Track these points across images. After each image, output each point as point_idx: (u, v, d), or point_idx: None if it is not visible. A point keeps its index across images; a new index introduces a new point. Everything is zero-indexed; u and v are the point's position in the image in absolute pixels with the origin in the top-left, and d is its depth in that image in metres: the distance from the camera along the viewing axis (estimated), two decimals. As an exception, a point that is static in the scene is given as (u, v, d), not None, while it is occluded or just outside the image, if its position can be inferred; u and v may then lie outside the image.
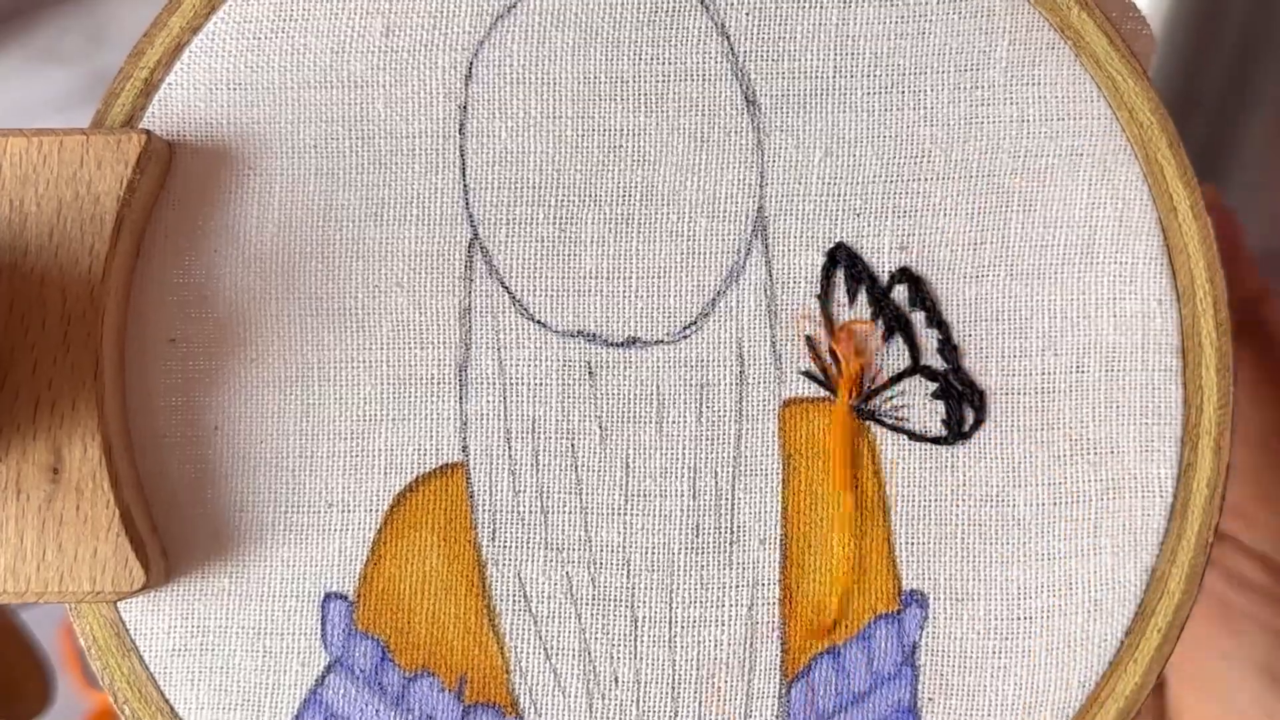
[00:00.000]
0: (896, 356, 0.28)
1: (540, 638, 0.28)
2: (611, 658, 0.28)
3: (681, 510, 0.28)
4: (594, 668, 0.28)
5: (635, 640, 0.28)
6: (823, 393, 0.28)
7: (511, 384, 0.28)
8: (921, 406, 0.28)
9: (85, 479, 0.27)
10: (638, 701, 0.28)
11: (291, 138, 0.29)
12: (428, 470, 0.28)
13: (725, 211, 0.28)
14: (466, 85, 0.28)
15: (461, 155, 0.28)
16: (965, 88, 0.28)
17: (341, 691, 0.28)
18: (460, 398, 0.28)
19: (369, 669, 0.28)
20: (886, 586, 0.28)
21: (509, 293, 0.28)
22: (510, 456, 0.28)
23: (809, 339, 0.28)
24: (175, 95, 0.29)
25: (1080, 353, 0.28)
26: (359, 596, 0.28)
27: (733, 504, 0.28)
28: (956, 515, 0.28)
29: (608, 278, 0.28)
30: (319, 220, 0.29)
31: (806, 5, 0.28)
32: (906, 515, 0.28)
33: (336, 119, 0.28)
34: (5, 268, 0.27)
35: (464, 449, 0.28)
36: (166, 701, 0.28)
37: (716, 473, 0.28)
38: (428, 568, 0.28)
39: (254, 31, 0.29)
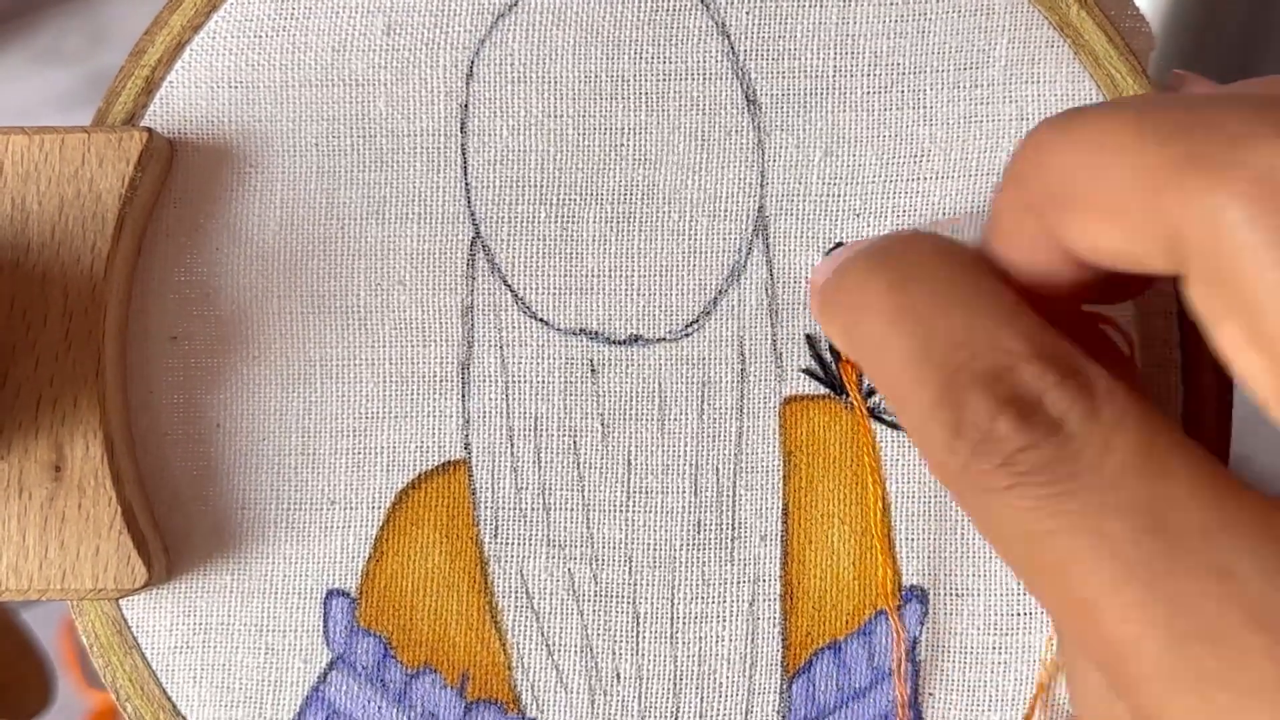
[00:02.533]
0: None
1: (542, 634, 0.28)
2: (613, 654, 0.28)
3: (683, 507, 0.28)
4: (596, 664, 0.28)
5: (637, 637, 0.28)
6: (823, 390, 0.28)
7: (514, 381, 0.28)
8: (922, 404, 0.28)
9: (87, 476, 0.27)
10: (640, 698, 0.28)
11: (293, 136, 0.29)
12: (430, 467, 0.28)
13: (726, 210, 0.28)
14: (468, 84, 0.28)
15: (463, 154, 0.29)
16: (965, 86, 0.28)
17: (344, 688, 0.28)
18: (463, 395, 0.28)
19: (371, 666, 0.28)
20: (887, 582, 0.28)
21: (511, 290, 0.28)
22: (513, 454, 0.28)
23: (809, 337, 0.28)
24: (177, 93, 0.29)
25: (1080, 350, 0.28)
26: (361, 593, 0.28)
27: (734, 501, 0.28)
28: (956, 511, 0.28)
29: (609, 276, 0.28)
30: (321, 218, 0.29)
31: (807, 4, 0.28)
32: (907, 511, 0.28)
33: (338, 117, 0.29)
34: (7, 265, 0.27)
35: (466, 446, 0.28)
36: (168, 698, 0.28)
37: (718, 470, 0.28)
38: (430, 565, 0.28)
39: (255, 30, 0.29)
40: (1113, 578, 0.17)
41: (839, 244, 0.28)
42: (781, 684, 0.28)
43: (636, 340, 0.28)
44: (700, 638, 0.28)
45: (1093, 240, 0.19)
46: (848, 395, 0.28)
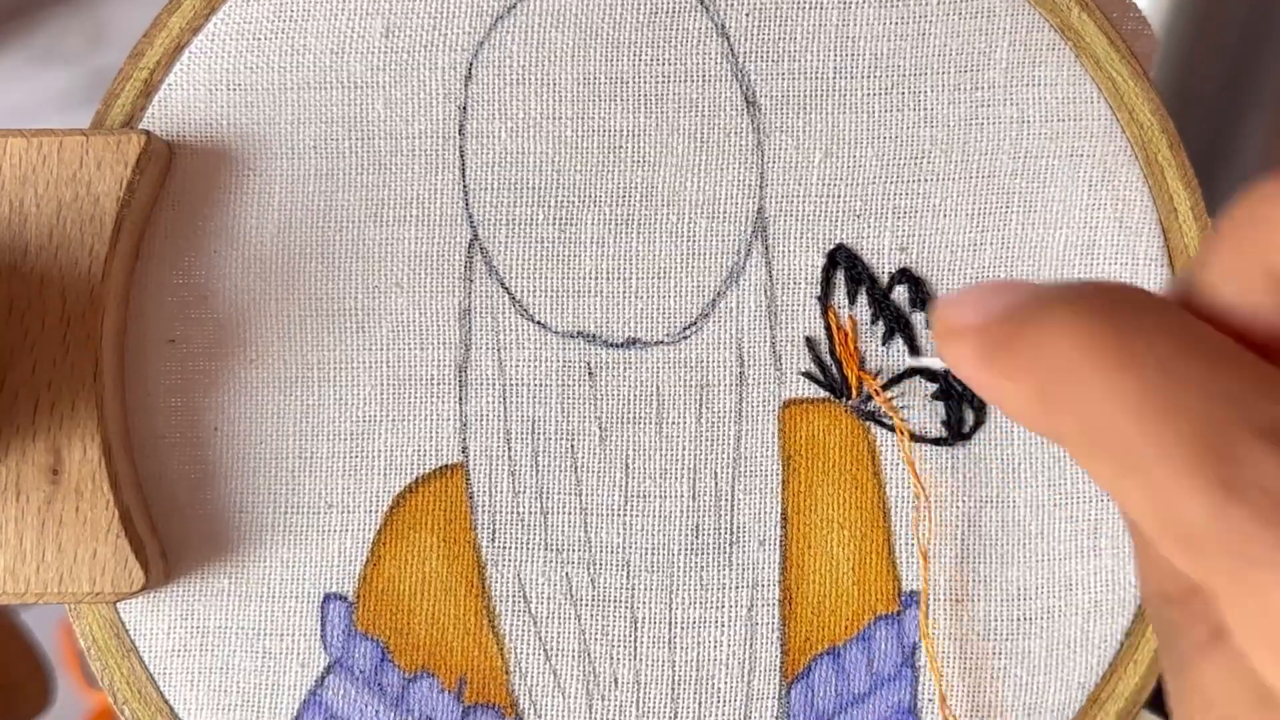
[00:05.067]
0: (897, 357, 0.28)
1: (540, 639, 0.28)
2: (611, 658, 0.28)
3: (681, 511, 0.28)
4: (594, 668, 0.28)
5: (635, 641, 0.28)
6: (823, 393, 0.28)
7: (511, 385, 0.28)
8: (921, 408, 0.28)
9: (85, 480, 0.27)
10: (637, 702, 0.28)
11: (291, 138, 0.28)
12: (427, 471, 0.28)
13: (725, 212, 0.28)
14: (466, 86, 0.28)
15: (461, 156, 0.28)
16: (965, 89, 0.28)
17: (341, 692, 0.28)
18: (460, 398, 0.28)
19: (369, 670, 0.28)
20: (886, 588, 0.28)
21: (509, 293, 0.28)
22: (510, 457, 0.28)
23: (809, 340, 0.28)
24: (175, 96, 0.29)
25: (1080, 354, 0.28)
26: (359, 597, 0.28)
27: (732, 505, 0.28)
28: (956, 516, 0.28)
29: (607, 278, 0.28)
30: (319, 221, 0.28)
31: (807, 6, 0.28)
32: (906, 517, 0.28)
33: (336, 120, 0.28)
34: (5, 269, 0.27)
35: (464, 450, 0.28)
36: (166, 702, 0.28)
37: (716, 473, 0.28)
38: (427, 569, 0.28)
39: (254, 32, 0.29)
40: None
41: (840, 245, 0.28)
42: (780, 689, 0.28)
43: (634, 343, 0.28)
44: (698, 642, 0.28)
45: None
46: (848, 398, 0.28)
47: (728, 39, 0.28)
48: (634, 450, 0.28)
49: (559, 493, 0.28)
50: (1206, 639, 0.19)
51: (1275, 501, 0.16)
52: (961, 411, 0.28)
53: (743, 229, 0.28)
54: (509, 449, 0.28)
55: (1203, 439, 0.17)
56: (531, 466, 0.28)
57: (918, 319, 0.28)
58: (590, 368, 0.28)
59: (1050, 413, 0.19)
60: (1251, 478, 0.16)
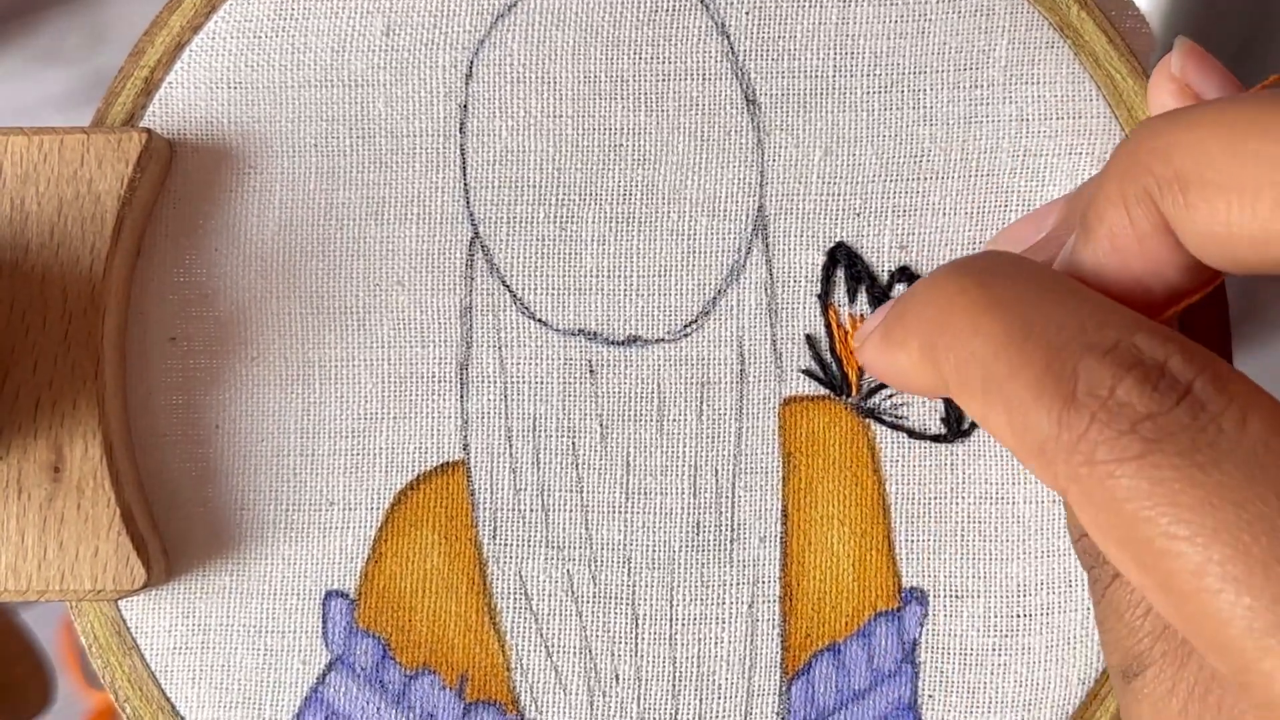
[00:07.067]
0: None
1: (541, 636, 0.28)
2: (612, 655, 0.28)
3: (682, 508, 0.28)
4: (595, 665, 0.28)
5: (636, 638, 0.28)
6: (822, 391, 0.28)
7: (512, 382, 0.28)
8: (921, 404, 0.28)
9: (86, 478, 0.27)
10: (639, 699, 0.28)
11: (292, 136, 0.29)
12: (429, 468, 0.28)
13: (726, 210, 0.28)
14: (467, 84, 0.28)
15: (462, 154, 0.29)
16: (965, 86, 0.28)
17: (342, 689, 0.28)
18: (461, 396, 0.28)
19: (370, 667, 0.28)
20: (886, 584, 0.28)
21: (510, 291, 0.28)
22: (511, 454, 0.28)
23: (809, 337, 0.28)
24: (176, 94, 0.29)
25: (1080, 351, 0.28)
26: (360, 595, 0.28)
27: (733, 502, 0.28)
28: (956, 512, 0.28)
29: (608, 276, 0.28)
30: (320, 219, 0.29)
31: (806, 4, 0.28)
32: (906, 513, 0.28)
33: (337, 118, 0.29)
34: (6, 266, 0.27)
35: (465, 447, 0.28)
36: (167, 699, 0.28)
37: (717, 471, 0.28)
38: (429, 566, 0.28)
39: (254, 30, 0.29)
40: (1263, 558, 0.16)
41: (840, 244, 0.28)
42: (781, 685, 0.28)
43: (635, 341, 0.28)
44: (699, 639, 0.28)
45: (1225, 219, 0.18)
46: (848, 396, 0.28)
47: (728, 37, 0.28)
48: (635, 447, 0.28)
49: (560, 490, 0.28)
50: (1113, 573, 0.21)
51: (1106, 405, 0.18)
52: (960, 408, 0.28)
53: (743, 227, 0.28)
54: (510, 446, 0.28)
55: (1048, 360, 0.19)
56: (533, 464, 0.28)
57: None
58: (591, 365, 0.28)
59: (933, 361, 0.21)
60: (1087, 388, 0.18)
